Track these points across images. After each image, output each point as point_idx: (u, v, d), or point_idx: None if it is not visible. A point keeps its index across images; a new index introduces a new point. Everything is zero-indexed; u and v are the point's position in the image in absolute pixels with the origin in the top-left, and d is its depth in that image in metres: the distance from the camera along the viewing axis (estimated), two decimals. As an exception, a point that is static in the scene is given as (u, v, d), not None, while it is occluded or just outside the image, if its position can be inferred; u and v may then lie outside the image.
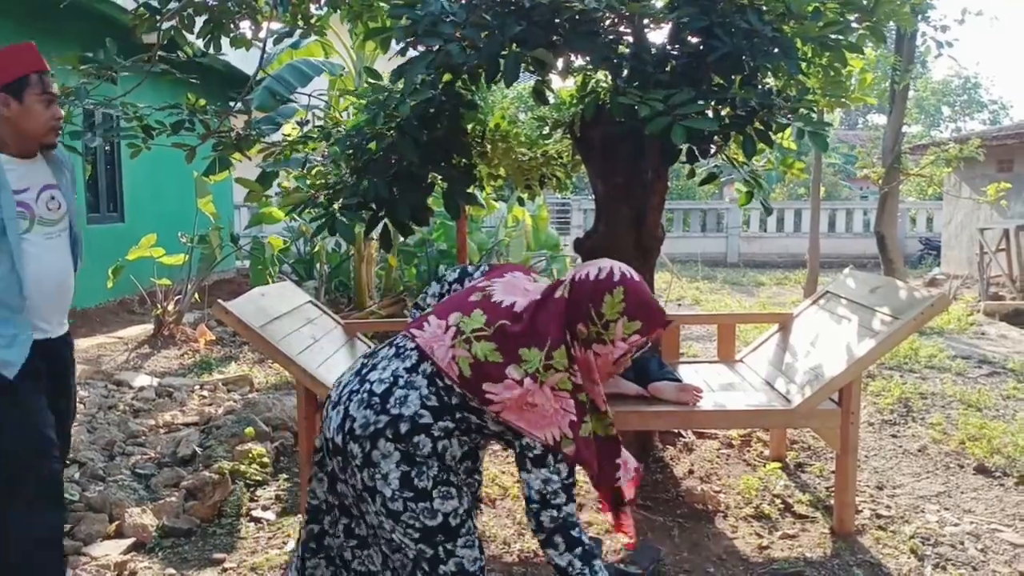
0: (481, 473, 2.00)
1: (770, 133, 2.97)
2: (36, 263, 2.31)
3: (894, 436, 4.42)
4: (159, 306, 6.78)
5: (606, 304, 1.69)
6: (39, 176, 2.38)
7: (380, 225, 3.25)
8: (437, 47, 2.74)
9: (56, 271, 2.41)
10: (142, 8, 3.56)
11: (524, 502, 1.71)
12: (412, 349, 1.80)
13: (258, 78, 4.42)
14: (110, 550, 2.92)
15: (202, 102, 3.77)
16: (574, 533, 1.66)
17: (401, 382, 1.75)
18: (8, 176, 2.28)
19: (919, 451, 4.16)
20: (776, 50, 2.83)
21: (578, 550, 1.66)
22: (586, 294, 1.72)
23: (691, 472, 3.72)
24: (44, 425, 2.33)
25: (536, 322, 1.72)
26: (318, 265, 8.29)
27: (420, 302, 2.20)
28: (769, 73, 3.11)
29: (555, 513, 1.65)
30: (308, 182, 3.50)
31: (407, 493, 1.70)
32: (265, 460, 3.77)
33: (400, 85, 3.06)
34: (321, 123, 3.99)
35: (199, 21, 3.75)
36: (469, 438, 1.78)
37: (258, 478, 3.64)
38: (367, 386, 1.79)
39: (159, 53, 3.79)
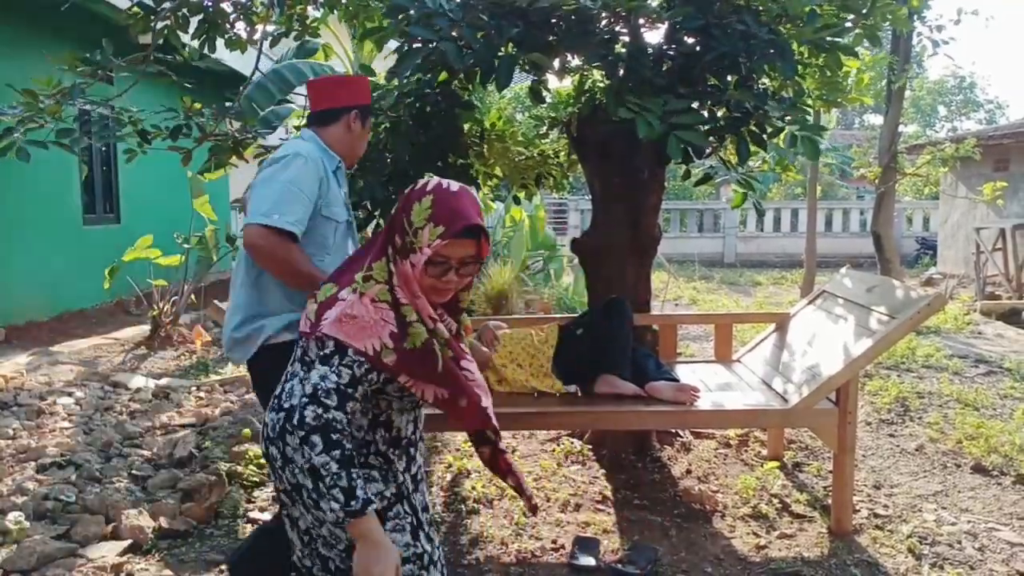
0: (414, 443, 1.92)
1: (764, 136, 2.97)
2: None
3: (891, 435, 4.42)
4: (156, 307, 6.77)
5: (415, 212, 1.68)
6: None
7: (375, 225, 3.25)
8: (431, 43, 2.74)
9: None
10: (136, 7, 3.56)
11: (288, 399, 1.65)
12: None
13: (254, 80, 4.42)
14: (107, 552, 2.91)
15: (198, 105, 3.76)
16: (334, 436, 1.60)
17: (288, 375, 1.77)
18: None
19: (916, 450, 4.16)
20: (772, 51, 2.83)
21: (336, 452, 1.59)
22: (401, 206, 1.73)
23: (689, 472, 3.71)
24: None
25: (368, 250, 1.77)
26: (315, 266, 8.26)
27: None
28: (765, 74, 3.11)
29: (320, 411, 1.60)
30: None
31: None
32: (262, 461, 3.76)
33: (394, 83, 3.06)
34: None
35: (194, 22, 3.74)
36: (360, 404, 1.76)
37: (255, 479, 3.63)
38: None
39: (155, 55, 3.78)
